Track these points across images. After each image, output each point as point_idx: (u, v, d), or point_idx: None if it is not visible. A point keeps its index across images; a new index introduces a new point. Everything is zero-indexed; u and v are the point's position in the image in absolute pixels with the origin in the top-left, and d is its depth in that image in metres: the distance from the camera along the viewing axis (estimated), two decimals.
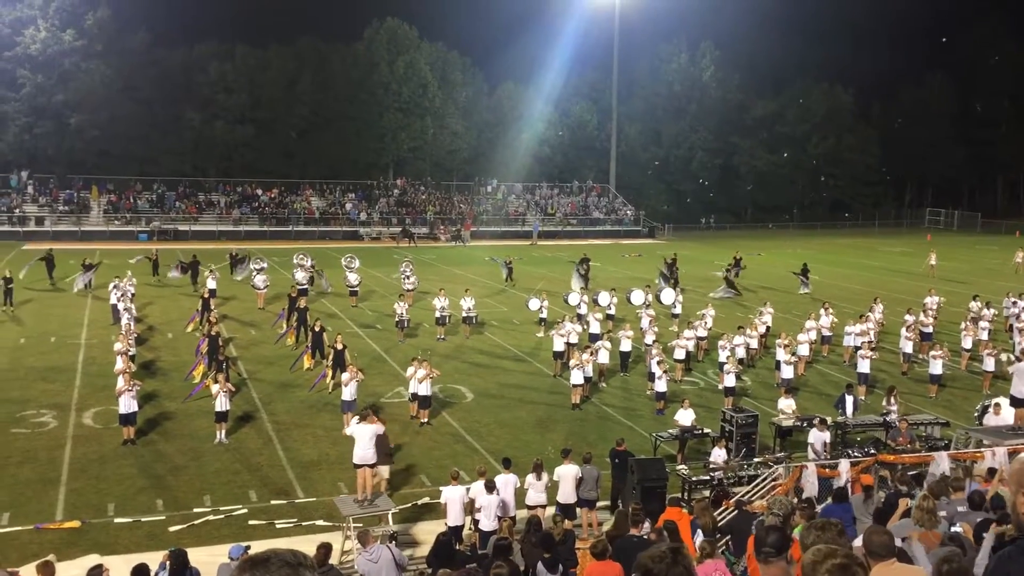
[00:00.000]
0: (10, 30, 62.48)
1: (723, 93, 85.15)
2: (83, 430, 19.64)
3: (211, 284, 33.52)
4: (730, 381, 22.19)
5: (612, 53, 77.78)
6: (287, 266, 42.93)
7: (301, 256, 38.13)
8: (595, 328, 27.65)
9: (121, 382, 19.12)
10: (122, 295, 30.01)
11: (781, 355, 23.91)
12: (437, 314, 29.77)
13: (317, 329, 25.29)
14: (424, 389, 20.61)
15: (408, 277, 36.05)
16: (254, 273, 34.85)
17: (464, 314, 30.25)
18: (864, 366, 23.64)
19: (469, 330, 30.37)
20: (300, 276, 35.38)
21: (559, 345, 25.27)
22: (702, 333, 27.69)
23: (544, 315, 30.64)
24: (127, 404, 18.89)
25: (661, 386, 21.98)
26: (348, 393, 19.77)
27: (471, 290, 32.51)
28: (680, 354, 24.98)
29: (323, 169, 73.58)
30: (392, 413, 20.85)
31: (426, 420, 20.72)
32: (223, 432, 19.18)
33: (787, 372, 23.30)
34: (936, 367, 23.99)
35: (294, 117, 73.55)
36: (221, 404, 19.12)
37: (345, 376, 20.06)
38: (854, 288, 41.20)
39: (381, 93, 74.63)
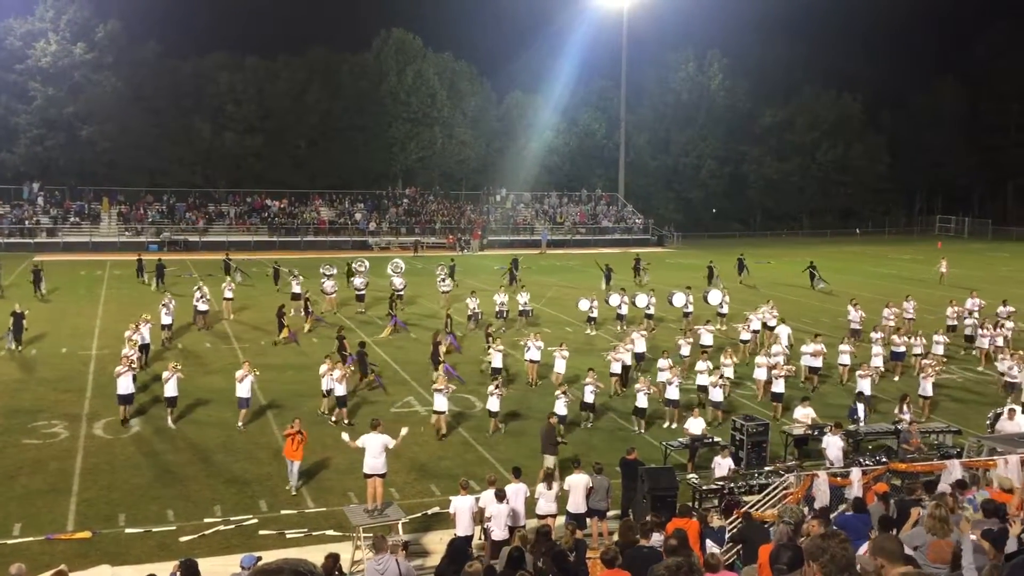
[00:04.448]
0: (21, 43, 62.87)
1: (732, 101, 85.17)
2: (94, 440, 19.70)
3: (296, 288, 35.15)
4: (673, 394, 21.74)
5: (620, 62, 77.88)
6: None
7: (360, 262, 39.96)
8: (640, 346, 26.36)
9: (122, 366, 20.81)
10: (202, 296, 31.79)
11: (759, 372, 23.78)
12: (496, 309, 32.61)
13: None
14: (340, 389, 21.06)
15: (443, 280, 37.74)
16: (324, 278, 36.23)
17: (520, 308, 33.21)
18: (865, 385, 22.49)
19: (525, 322, 32.94)
20: (358, 282, 36.67)
21: (498, 361, 24.45)
22: (746, 336, 28.39)
23: (594, 315, 32.19)
24: (124, 386, 20.56)
25: (641, 401, 21.17)
26: (242, 390, 20.65)
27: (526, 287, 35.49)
28: (616, 368, 24.08)
29: (332, 179, 73.73)
30: (405, 423, 20.83)
31: (349, 421, 21.06)
32: (172, 416, 20.85)
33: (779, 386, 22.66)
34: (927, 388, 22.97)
35: (303, 127, 73.76)
36: (171, 390, 20.61)
37: (239, 373, 20.91)
38: (865, 296, 41.00)
39: (390, 103, 74.83)
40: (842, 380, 25.59)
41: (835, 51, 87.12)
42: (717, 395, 22.05)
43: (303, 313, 32.54)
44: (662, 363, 23.05)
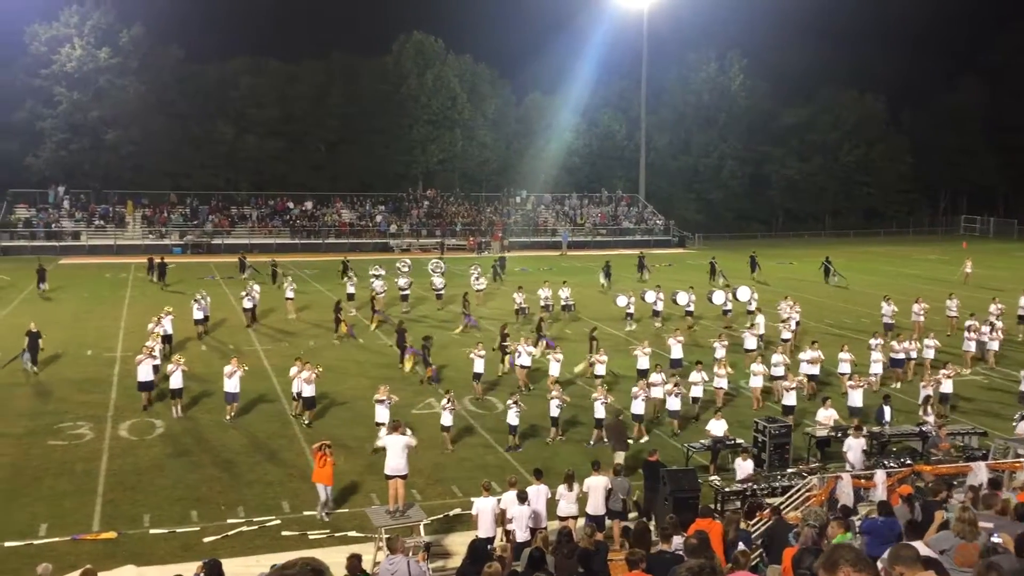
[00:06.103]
0: (47, 48, 63.65)
1: (752, 102, 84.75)
2: (119, 442, 19.87)
3: (350, 289, 37.29)
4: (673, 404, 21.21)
5: (640, 63, 77.62)
6: (318, 278, 43.80)
7: (402, 263, 41.01)
8: (677, 352, 25.88)
9: (142, 354, 21.92)
10: (246, 294, 32.95)
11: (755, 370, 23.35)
12: (541, 303, 34.37)
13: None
14: (309, 390, 21.19)
15: (478, 279, 38.80)
16: (372, 280, 37.21)
17: (563, 303, 34.74)
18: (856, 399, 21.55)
19: (568, 316, 34.53)
20: (402, 282, 37.21)
21: (479, 366, 24.01)
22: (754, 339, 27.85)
23: (631, 311, 33.04)
24: (144, 373, 21.74)
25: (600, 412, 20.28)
26: (231, 385, 21.15)
27: (568, 281, 36.58)
28: (600, 370, 23.61)
29: (353, 182, 74.08)
30: (420, 426, 20.88)
31: (308, 422, 21.26)
32: (178, 408, 21.62)
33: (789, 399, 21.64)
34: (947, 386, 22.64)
35: (324, 130, 74.21)
36: (175, 382, 21.45)
37: (228, 368, 21.35)
38: (893, 297, 40.67)
39: (410, 105, 75.03)
40: (842, 391, 23.56)
41: (856, 51, 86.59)
42: (673, 404, 21.13)
43: (371, 312, 33.26)
44: (654, 377, 22.10)
